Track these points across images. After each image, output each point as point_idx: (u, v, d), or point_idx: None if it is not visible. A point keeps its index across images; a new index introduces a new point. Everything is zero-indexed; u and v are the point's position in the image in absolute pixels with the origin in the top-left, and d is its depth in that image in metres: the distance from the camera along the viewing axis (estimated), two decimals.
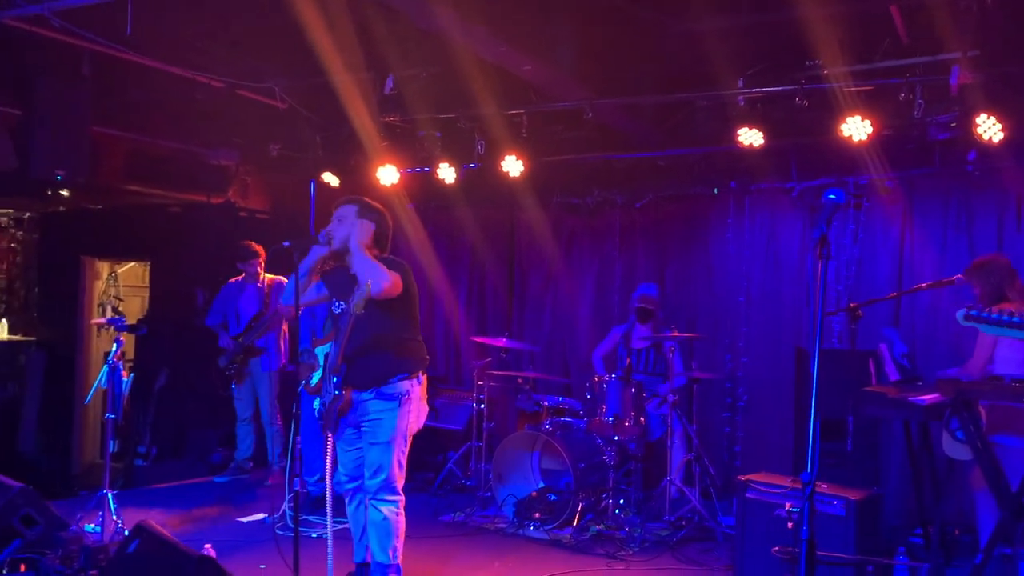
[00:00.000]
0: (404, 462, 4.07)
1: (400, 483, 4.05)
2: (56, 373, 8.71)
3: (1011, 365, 4.20)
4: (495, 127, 6.22)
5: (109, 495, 4.96)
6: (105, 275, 9.28)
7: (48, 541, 4.29)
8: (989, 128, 5.01)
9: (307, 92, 6.20)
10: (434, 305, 8.24)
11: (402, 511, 4.07)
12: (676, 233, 7.21)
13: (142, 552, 3.77)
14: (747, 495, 4.51)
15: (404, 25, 4.80)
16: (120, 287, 9.44)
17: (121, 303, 9.26)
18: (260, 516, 5.78)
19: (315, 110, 6.56)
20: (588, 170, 7.15)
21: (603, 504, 5.65)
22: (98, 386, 5.16)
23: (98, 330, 8.79)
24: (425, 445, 6.86)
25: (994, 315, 2.85)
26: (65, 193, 7.55)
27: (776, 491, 4.40)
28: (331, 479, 4.07)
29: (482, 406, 6.35)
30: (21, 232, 9.24)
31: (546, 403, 6.28)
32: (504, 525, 5.72)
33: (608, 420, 5.63)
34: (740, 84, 5.43)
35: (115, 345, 5.10)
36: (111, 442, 5.20)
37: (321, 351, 4.20)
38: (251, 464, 7.00)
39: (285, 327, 6.86)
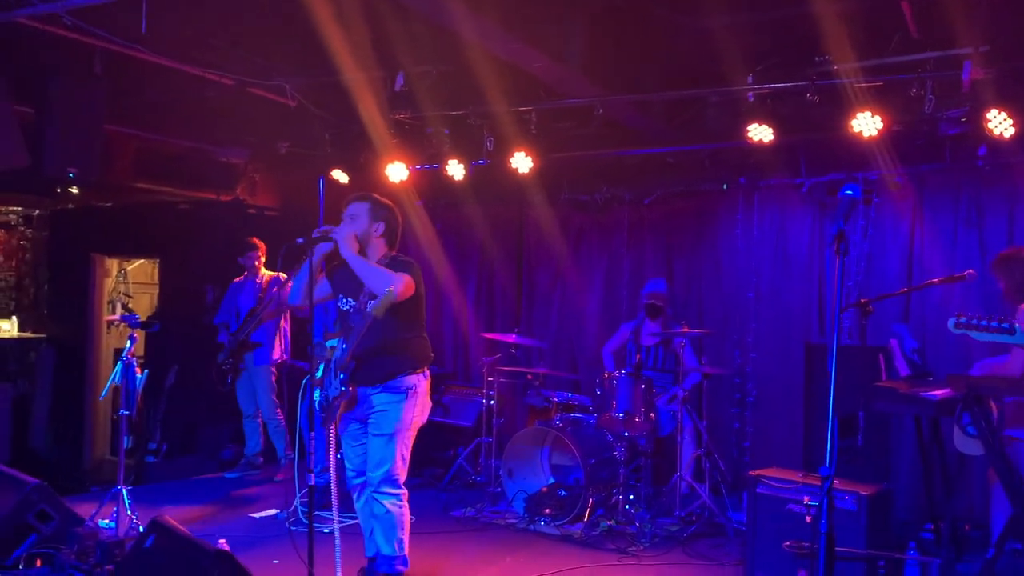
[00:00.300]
0: (407, 456, 4.10)
1: (403, 477, 4.08)
2: (66, 370, 8.76)
3: None
4: (504, 124, 6.22)
5: (123, 491, 5.00)
6: (114, 272, 9.31)
7: (63, 537, 4.32)
8: (1000, 123, 5.02)
9: (317, 89, 6.21)
10: (443, 302, 8.26)
11: (405, 504, 4.10)
12: (685, 229, 7.21)
13: (158, 547, 3.79)
14: (758, 490, 4.52)
15: (415, 22, 4.81)
16: (130, 284, 9.47)
17: (130, 300, 9.30)
18: (272, 512, 5.80)
19: (325, 107, 6.57)
20: (597, 166, 7.16)
21: (613, 500, 5.67)
22: (112, 382, 5.18)
23: (109, 327, 8.83)
24: (434, 441, 6.90)
25: (983, 321, 2.89)
26: (75, 191, 7.59)
27: (787, 486, 4.41)
28: (335, 474, 4.10)
29: (491, 402, 6.36)
30: (31, 229, 9.27)
31: (555, 399, 6.29)
32: (514, 520, 5.74)
33: (618, 416, 5.65)
34: (750, 80, 5.42)
35: (129, 342, 5.15)
36: (125, 438, 5.23)
37: (329, 344, 4.24)
38: (261, 459, 7.03)
39: (284, 322, 6.88)
